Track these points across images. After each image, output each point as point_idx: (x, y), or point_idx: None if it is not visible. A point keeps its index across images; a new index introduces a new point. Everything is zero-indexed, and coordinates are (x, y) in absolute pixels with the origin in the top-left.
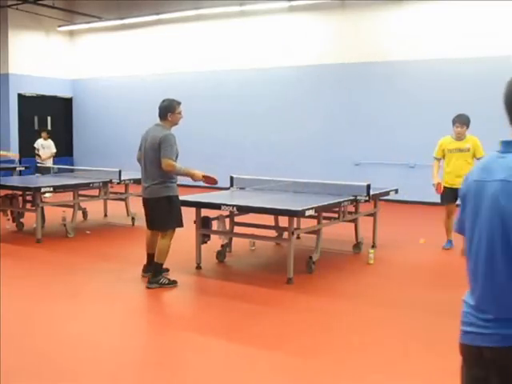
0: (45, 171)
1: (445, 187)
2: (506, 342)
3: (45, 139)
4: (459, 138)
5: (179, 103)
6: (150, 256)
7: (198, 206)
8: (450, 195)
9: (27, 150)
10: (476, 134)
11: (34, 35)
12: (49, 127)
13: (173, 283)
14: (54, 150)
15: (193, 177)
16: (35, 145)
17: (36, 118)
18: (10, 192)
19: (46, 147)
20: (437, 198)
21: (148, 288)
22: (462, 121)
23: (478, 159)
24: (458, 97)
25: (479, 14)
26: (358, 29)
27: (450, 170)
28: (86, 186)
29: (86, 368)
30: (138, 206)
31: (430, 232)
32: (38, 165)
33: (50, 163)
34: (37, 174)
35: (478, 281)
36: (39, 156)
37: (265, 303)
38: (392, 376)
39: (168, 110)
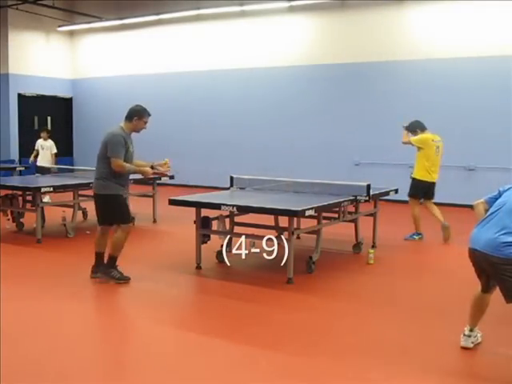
0: (45, 171)
1: (422, 181)
2: None
3: (44, 139)
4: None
5: (149, 115)
6: (98, 255)
7: (198, 205)
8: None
9: (27, 150)
10: (476, 132)
11: (34, 35)
12: (49, 127)
13: (124, 279)
14: (55, 151)
15: (144, 174)
16: (36, 146)
17: (36, 118)
18: (10, 192)
19: (45, 148)
20: (436, 198)
21: (92, 277)
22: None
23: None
24: (459, 96)
25: (480, 14)
26: (357, 29)
27: (431, 164)
28: (86, 186)
29: (85, 368)
30: (138, 206)
31: (430, 232)
32: (39, 165)
33: (47, 163)
34: (37, 174)
35: None
36: (35, 157)
37: (265, 303)
38: (391, 375)
39: (136, 114)
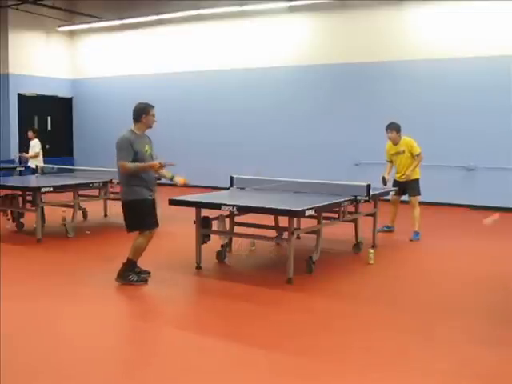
0: (33, 171)
1: (394, 180)
2: None
3: (31, 139)
4: (394, 142)
5: (153, 106)
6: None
7: (198, 205)
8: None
9: (27, 150)
10: (476, 132)
11: (34, 35)
12: (49, 127)
13: (142, 280)
14: (37, 150)
15: (152, 168)
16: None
17: (36, 118)
18: (9, 192)
19: (31, 147)
20: (436, 198)
21: (116, 281)
22: (390, 128)
23: (417, 155)
24: (459, 96)
25: (480, 14)
26: (357, 29)
27: (397, 170)
28: (86, 186)
29: (85, 368)
30: None
31: (430, 231)
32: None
33: (39, 163)
34: (37, 174)
35: None
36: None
37: (265, 303)
38: (391, 375)
39: (143, 112)
